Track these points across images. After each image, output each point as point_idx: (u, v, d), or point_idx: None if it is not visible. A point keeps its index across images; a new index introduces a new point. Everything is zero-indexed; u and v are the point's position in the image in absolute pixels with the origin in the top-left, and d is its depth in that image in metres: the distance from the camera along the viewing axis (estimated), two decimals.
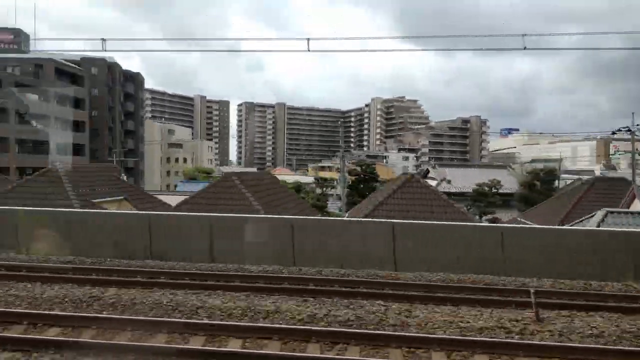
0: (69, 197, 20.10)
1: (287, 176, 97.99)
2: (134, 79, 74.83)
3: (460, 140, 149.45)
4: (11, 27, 64.04)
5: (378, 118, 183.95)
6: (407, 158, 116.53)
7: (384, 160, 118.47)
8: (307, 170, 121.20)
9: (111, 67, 68.43)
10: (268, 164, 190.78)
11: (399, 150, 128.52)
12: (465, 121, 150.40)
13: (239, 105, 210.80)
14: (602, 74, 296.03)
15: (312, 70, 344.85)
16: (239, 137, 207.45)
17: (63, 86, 58.12)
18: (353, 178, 45.85)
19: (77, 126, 61.83)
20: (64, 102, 59.05)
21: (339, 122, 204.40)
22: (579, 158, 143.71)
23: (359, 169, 46.64)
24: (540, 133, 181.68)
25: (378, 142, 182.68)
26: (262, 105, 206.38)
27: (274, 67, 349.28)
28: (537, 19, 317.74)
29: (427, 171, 53.18)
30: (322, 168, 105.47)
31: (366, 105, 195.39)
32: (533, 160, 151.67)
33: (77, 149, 61.82)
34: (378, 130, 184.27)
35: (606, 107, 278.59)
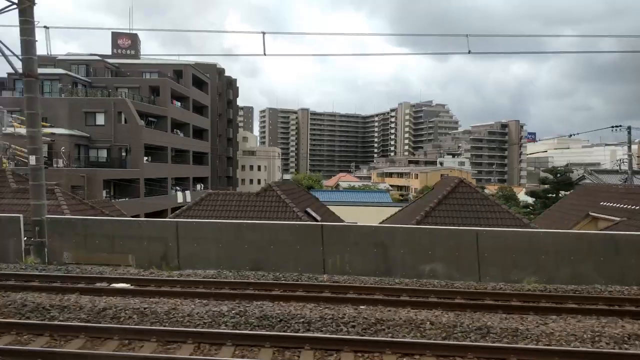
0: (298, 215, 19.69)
1: (353, 182, 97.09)
2: (232, 85, 73.26)
3: (499, 144, 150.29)
4: (129, 32, 62.13)
5: (406, 123, 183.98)
6: (462, 163, 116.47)
7: (438, 165, 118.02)
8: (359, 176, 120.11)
9: (220, 73, 66.86)
10: (291, 170, 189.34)
11: (453, 155, 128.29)
12: (504, 126, 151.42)
13: (261, 112, 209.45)
14: (598, 77, 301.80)
15: (311, 73, 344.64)
16: (262, 142, 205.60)
17: (198, 93, 56.46)
18: (543, 187, 45.26)
19: (200, 134, 60.16)
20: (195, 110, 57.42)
21: (379, 126, 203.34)
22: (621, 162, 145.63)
23: (550, 176, 45.98)
24: (570, 136, 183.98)
25: (407, 147, 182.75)
26: (285, 111, 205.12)
27: (267, 69, 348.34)
28: (536, 20, 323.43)
29: (582, 177, 52.72)
30: (390, 175, 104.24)
31: (392, 110, 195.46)
32: (568, 165, 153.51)
33: (200, 158, 60.16)
34: (406, 135, 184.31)
35: (601, 109, 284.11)
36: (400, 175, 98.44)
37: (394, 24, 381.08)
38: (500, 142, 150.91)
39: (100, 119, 41.82)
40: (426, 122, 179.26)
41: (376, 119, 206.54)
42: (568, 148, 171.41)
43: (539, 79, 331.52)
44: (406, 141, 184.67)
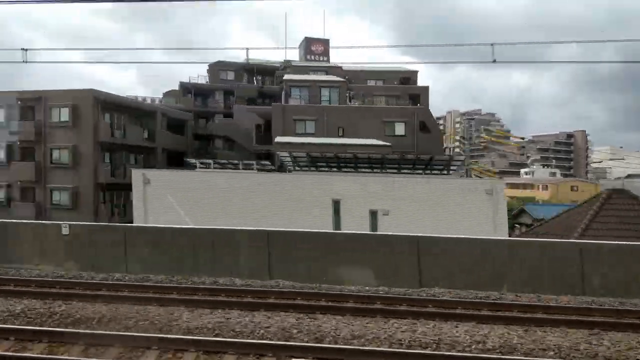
0: None
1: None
2: None
3: (565, 154, 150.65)
4: (323, 38, 59.67)
5: (457, 131, 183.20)
6: (554, 174, 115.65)
7: (528, 175, 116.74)
8: None
9: None
10: None
11: (544, 165, 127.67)
12: (570, 135, 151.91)
13: None
14: (598, 86, 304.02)
15: None
16: None
17: None
18: None
19: None
20: None
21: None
22: None
23: None
24: (621, 147, 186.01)
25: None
26: None
27: None
28: (538, 32, 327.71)
29: None
30: (516, 185, 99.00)
31: (437, 118, 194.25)
32: (629, 176, 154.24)
33: None
34: (457, 144, 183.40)
35: (602, 119, 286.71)
36: (515, 185, 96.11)
37: (395, 31, 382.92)
38: (565, 152, 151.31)
39: (399, 129, 39.14)
40: (478, 131, 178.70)
41: None
42: (623, 159, 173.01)
43: (542, 87, 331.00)
44: (457, 150, 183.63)
